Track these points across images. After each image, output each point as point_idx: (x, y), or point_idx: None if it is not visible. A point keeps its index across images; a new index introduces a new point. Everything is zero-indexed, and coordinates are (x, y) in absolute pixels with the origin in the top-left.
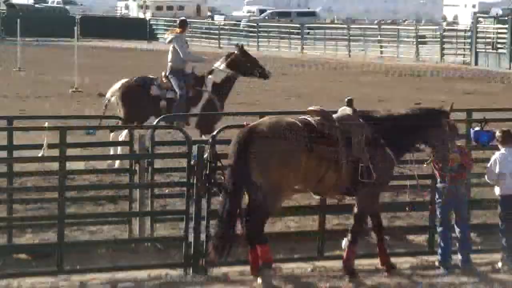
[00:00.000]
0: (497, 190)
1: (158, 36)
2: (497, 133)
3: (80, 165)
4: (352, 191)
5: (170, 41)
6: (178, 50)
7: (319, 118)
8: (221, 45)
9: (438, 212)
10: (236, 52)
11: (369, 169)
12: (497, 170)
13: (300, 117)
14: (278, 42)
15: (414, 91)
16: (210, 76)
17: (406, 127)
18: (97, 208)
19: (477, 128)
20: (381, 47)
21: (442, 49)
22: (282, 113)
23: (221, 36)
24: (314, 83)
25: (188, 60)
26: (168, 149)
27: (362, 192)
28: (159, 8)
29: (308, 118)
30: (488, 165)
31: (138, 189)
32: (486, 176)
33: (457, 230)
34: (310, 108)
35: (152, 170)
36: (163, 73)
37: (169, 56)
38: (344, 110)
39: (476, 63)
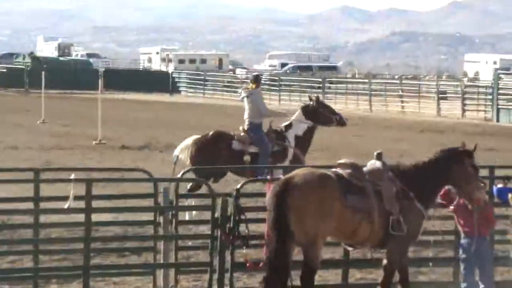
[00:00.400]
0: None
1: (180, 89)
2: None
3: (104, 217)
4: (383, 243)
5: (246, 97)
6: (258, 105)
7: (350, 171)
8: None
9: (462, 268)
10: (312, 103)
11: (399, 221)
12: None
13: (332, 170)
14: (300, 96)
15: (435, 146)
16: (290, 130)
17: (431, 171)
18: (122, 259)
19: (500, 185)
20: (402, 102)
21: (464, 105)
22: (312, 166)
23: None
24: (336, 137)
25: (268, 115)
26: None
27: (393, 245)
28: (181, 61)
29: (339, 171)
30: None
31: (162, 241)
32: None
33: (481, 286)
34: (340, 161)
35: (176, 222)
36: (240, 128)
37: (247, 111)
38: (374, 163)
39: (497, 120)
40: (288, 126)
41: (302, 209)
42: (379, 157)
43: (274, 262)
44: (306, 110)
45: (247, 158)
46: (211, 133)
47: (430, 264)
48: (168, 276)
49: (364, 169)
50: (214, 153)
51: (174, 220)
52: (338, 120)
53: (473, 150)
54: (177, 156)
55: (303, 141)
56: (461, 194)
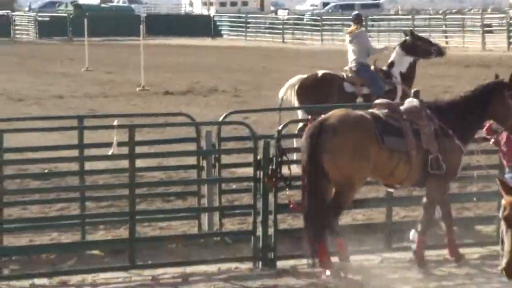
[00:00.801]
0: None
1: (222, 32)
2: None
3: (148, 162)
4: (422, 182)
5: (352, 40)
6: (366, 45)
7: (386, 111)
8: (285, 40)
9: None
10: (408, 38)
11: (438, 160)
12: None
13: (368, 110)
14: (343, 35)
15: (481, 81)
16: (394, 68)
17: (469, 106)
18: (167, 204)
19: None
20: (446, 37)
21: (510, 37)
22: (349, 107)
23: (285, 31)
24: None
25: (375, 54)
26: (234, 145)
27: (432, 183)
28: (222, 4)
29: (376, 111)
30: None
31: (206, 185)
32: None
33: None
34: (377, 101)
35: (219, 166)
36: (347, 68)
37: (354, 53)
38: (411, 102)
39: None
40: (391, 64)
41: (337, 150)
42: (416, 95)
43: (310, 202)
44: (405, 46)
45: (360, 100)
46: (320, 73)
47: (474, 199)
48: (212, 219)
49: (401, 108)
50: (324, 94)
51: (217, 164)
52: (437, 50)
53: (510, 81)
54: (282, 98)
55: (408, 77)
56: (503, 127)
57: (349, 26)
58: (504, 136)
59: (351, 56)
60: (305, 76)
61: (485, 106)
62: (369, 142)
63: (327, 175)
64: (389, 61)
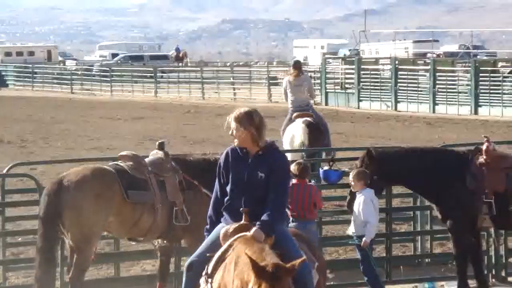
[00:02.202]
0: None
1: (7, 82)
2: (354, 172)
3: None
4: (167, 234)
5: (300, 83)
6: (311, 88)
7: (131, 163)
8: (73, 90)
9: None
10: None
11: (183, 212)
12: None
13: (112, 163)
14: (132, 86)
15: (267, 132)
16: None
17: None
18: None
19: (326, 168)
20: (234, 89)
21: None
22: (87, 160)
23: (73, 81)
24: (168, 127)
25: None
26: (20, 197)
27: (187, 236)
28: (8, 54)
29: (120, 164)
30: (363, 213)
31: None
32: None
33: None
34: (122, 153)
35: (3, 219)
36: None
37: (299, 94)
38: (156, 154)
39: (326, 103)
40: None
41: (78, 205)
42: (161, 146)
43: (42, 259)
44: None
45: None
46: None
47: None
48: None
49: (146, 160)
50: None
51: (0, 217)
52: None
53: None
54: (302, 143)
55: None
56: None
57: (139, 77)
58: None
59: (298, 96)
60: (304, 121)
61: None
62: (112, 195)
63: (63, 233)
64: None
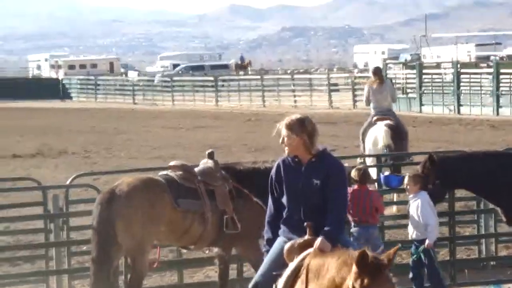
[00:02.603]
0: (414, 235)
1: (71, 95)
2: (407, 177)
3: None
4: (217, 242)
5: (382, 89)
6: (393, 93)
7: (181, 173)
8: (135, 101)
9: None
10: None
11: (234, 220)
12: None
13: (162, 173)
14: (193, 96)
15: (328, 138)
16: None
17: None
18: (14, 269)
19: (386, 173)
20: (294, 96)
21: (355, 95)
22: (148, 169)
23: (135, 92)
24: (229, 135)
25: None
26: (84, 207)
27: (237, 244)
28: (71, 67)
29: (170, 174)
30: (422, 217)
31: (54, 248)
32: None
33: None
34: (172, 163)
35: (67, 228)
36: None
37: (383, 99)
38: (206, 163)
39: None
40: None
41: (131, 216)
42: (211, 156)
43: (97, 268)
44: None
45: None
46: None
47: None
48: (61, 282)
49: (196, 169)
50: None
51: (65, 226)
52: None
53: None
54: (387, 145)
55: None
56: None
57: (200, 87)
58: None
59: (380, 103)
60: (387, 124)
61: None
62: (162, 204)
63: (118, 243)
64: None
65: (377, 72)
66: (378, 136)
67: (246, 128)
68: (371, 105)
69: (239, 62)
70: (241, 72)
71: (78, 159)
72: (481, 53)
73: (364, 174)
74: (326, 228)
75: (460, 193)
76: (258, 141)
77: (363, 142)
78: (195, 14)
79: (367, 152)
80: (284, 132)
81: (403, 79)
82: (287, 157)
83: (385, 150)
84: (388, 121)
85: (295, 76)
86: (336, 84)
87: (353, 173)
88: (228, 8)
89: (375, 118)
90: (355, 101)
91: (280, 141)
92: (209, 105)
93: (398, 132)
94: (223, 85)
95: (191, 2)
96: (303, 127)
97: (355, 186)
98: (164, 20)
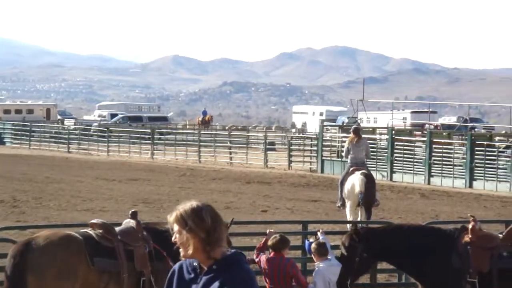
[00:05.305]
0: None
1: (5, 140)
2: (313, 246)
3: None
4: None
5: (359, 145)
6: (368, 149)
7: (101, 231)
8: (70, 150)
9: None
10: None
11: (150, 283)
12: (321, 285)
13: (82, 231)
14: (129, 147)
15: (261, 198)
16: None
17: None
18: None
19: (311, 240)
20: (230, 153)
21: (290, 156)
22: (68, 226)
23: (71, 141)
24: (163, 189)
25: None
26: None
27: None
28: (7, 111)
29: (90, 231)
30: (312, 283)
31: None
32: None
33: None
34: (93, 221)
35: None
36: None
37: (359, 153)
38: (128, 222)
39: (322, 171)
40: None
41: (43, 269)
42: (134, 216)
43: None
44: None
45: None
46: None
47: None
48: None
49: (117, 228)
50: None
51: None
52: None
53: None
54: (361, 192)
55: None
56: None
57: (137, 138)
58: (263, 257)
59: (358, 155)
60: (362, 173)
61: None
62: (77, 262)
63: None
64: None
65: (356, 131)
66: (355, 182)
67: (181, 183)
68: (349, 156)
69: (202, 117)
70: (205, 127)
71: (5, 207)
72: (416, 121)
73: (281, 242)
74: None
75: (381, 265)
76: (190, 197)
77: (342, 186)
78: (138, 63)
79: (345, 195)
80: (174, 226)
81: (338, 142)
82: (184, 259)
83: (360, 195)
84: (363, 171)
85: (233, 132)
86: (273, 143)
87: (270, 241)
88: (172, 58)
89: (351, 168)
90: (290, 161)
91: (173, 238)
92: (144, 157)
93: (370, 180)
94: (159, 138)
95: (135, 50)
96: (200, 221)
97: (271, 254)
98: (105, 68)
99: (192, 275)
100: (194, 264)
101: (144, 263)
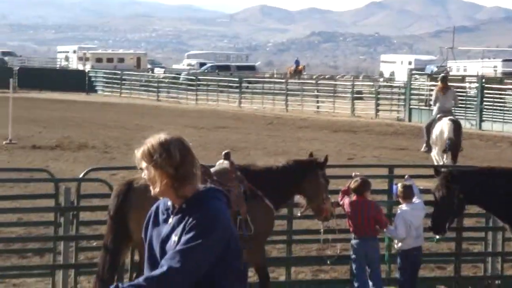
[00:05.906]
0: (399, 245)
1: (96, 88)
2: (399, 188)
3: (9, 217)
4: None
5: (446, 94)
6: (455, 98)
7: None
8: (159, 98)
9: (353, 268)
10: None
11: (247, 222)
12: (402, 228)
13: None
14: (217, 96)
15: (348, 146)
16: None
17: (282, 179)
18: (23, 261)
19: (399, 184)
20: (317, 102)
21: (377, 105)
22: None
23: (160, 89)
24: (250, 137)
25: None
26: (98, 202)
27: (245, 246)
28: (99, 60)
29: None
30: (393, 225)
31: (62, 242)
32: (388, 233)
33: (370, 283)
34: None
35: (77, 223)
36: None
37: (446, 101)
38: (222, 163)
39: (410, 120)
40: None
41: (143, 209)
42: (227, 156)
43: (106, 261)
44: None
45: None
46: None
47: (328, 261)
48: (67, 277)
49: (212, 169)
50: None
51: (75, 221)
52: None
53: (324, 162)
54: (450, 138)
55: None
56: (308, 204)
57: (225, 87)
58: (346, 200)
59: (445, 104)
60: (450, 119)
61: (298, 181)
62: None
63: (129, 235)
64: None
65: (444, 80)
66: (444, 128)
67: (267, 131)
68: (437, 105)
69: (295, 66)
70: (297, 77)
71: (97, 153)
72: (507, 69)
73: (362, 185)
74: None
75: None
76: (278, 145)
77: (428, 132)
78: (226, 13)
79: (433, 141)
80: (142, 163)
81: (427, 91)
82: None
83: (448, 141)
84: (450, 117)
85: (320, 82)
86: (360, 92)
87: (352, 184)
88: (259, 8)
89: (438, 115)
90: (377, 110)
91: (142, 175)
92: (232, 106)
93: (458, 127)
94: (247, 87)
95: (222, 0)
96: (167, 156)
97: (354, 197)
98: (194, 18)
99: (165, 216)
100: (168, 203)
101: (240, 202)
